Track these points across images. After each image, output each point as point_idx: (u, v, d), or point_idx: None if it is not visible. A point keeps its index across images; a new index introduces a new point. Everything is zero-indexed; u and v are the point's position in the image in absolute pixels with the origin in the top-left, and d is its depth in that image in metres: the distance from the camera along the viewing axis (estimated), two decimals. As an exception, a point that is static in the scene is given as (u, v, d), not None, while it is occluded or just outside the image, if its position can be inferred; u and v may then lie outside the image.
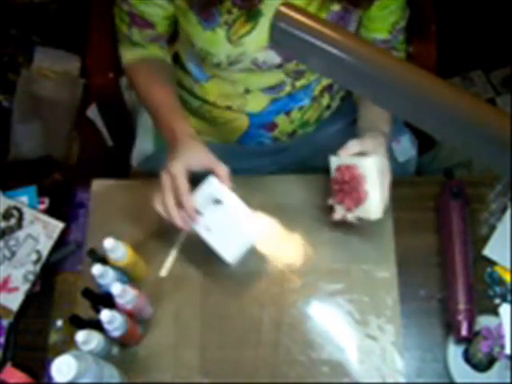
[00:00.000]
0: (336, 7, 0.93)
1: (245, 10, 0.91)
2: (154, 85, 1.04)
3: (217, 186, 0.94)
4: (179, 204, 0.90)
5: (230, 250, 0.93)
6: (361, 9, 0.96)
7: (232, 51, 0.95)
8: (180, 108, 1.01)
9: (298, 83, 1.04)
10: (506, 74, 1.96)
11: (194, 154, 0.92)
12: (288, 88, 1.04)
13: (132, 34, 1.04)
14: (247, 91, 1.04)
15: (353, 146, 0.94)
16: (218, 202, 0.94)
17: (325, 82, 1.08)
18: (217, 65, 0.99)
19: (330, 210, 0.99)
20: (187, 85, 1.12)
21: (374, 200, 0.92)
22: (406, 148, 1.24)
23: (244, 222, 0.94)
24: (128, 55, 1.08)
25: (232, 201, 0.94)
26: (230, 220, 0.94)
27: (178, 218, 0.90)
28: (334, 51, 0.47)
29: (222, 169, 0.93)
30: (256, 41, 0.94)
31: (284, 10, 0.48)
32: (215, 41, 0.94)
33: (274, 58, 0.97)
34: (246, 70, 0.99)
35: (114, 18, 1.05)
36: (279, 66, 0.99)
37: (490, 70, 1.98)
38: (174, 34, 1.08)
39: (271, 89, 1.04)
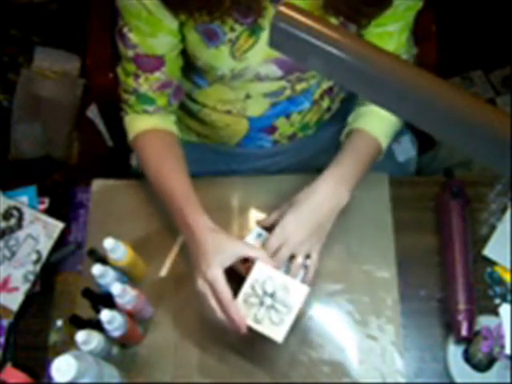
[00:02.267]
0: (334, 21, 0.92)
1: (247, 26, 0.91)
2: (165, 167, 0.98)
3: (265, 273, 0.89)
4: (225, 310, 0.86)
5: (278, 330, 0.87)
6: (358, 24, 0.94)
7: (236, 66, 0.95)
8: (194, 195, 0.95)
9: (299, 87, 1.04)
10: (506, 74, 1.96)
11: (225, 251, 0.87)
12: (288, 92, 1.04)
13: (140, 85, 0.98)
14: (248, 97, 1.04)
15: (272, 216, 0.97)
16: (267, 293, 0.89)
17: (325, 85, 1.08)
18: (220, 77, 0.98)
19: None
20: (186, 89, 1.11)
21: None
22: (406, 148, 1.24)
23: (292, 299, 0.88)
24: (135, 127, 1.02)
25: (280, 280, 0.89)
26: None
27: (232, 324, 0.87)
28: (334, 51, 0.47)
29: (259, 253, 0.89)
30: (258, 55, 0.94)
31: (284, 10, 0.48)
32: (219, 57, 0.94)
33: (275, 71, 0.97)
34: (248, 81, 0.99)
35: (113, 17, 1.03)
36: (281, 78, 0.99)
37: (490, 70, 1.98)
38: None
39: (272, 94, 1.04)
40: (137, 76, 0.98)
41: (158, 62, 0.96)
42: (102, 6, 1.24)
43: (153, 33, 0.92)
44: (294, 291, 0.88)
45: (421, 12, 1.01)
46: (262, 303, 0.88)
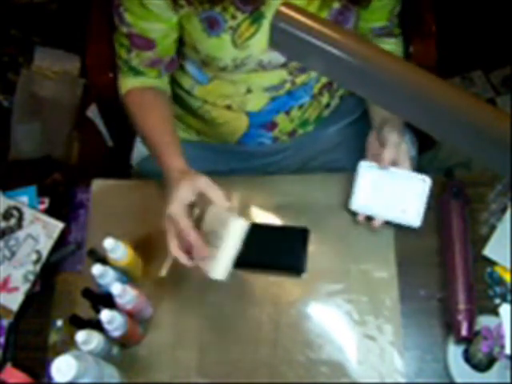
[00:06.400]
0: (336, 4, 0.94)
1: (248, 14, 0.91)
2: (148, 112, 1.02)
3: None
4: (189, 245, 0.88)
5: (215, 266, 0.89)
6: (361, 7, 0.97)
7: (238, 55, 0.95)
8: (172, 137, 0.99)
9: (298, 80, 1.04)
10: (506, 74, 1.96)
11: (185, 187, 0.87)
12: (288, 85, 1.04)
13: (131, 59, 1.02)
14: (249, 91, 1.05)
15: (387, 154, 0.98)
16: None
17: (324, 79, 1.09)
18: (222, 69, 0.99)
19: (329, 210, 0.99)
20: (186, 86, 1.12)
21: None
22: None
23: None
24: (125, 85, 1.06)
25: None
26: None
27: (182, 259, 0.89)
28: (334, 51, 0.47)
29: (215, 193, 0.88)
30: (260, 43, 0.94)
31: (284, 10, 0.48)
32: (221, 46, 0.95)
33: (278, 58, 0.97)
34: (250, 71, 1.00)
35: (114, 17, 1.04)
36: (283, 65, 1.00)
37: (490, 70, 1.98)
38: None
39: (272, 87, 1.04)
40: (129, 50, 1.01)
41: (150, 43, 0.99)
42: (103, 6, 1.24)
43: (145, 17, 0.95)
44: (232, 227, 0.88)
45: (421, 12, 1.01)
46: (209, 242, 0.88)
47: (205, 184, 0.87)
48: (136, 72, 1.04)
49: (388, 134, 0.99)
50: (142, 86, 1.05)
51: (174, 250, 0.89)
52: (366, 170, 1.02)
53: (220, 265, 0.87)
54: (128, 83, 1.05)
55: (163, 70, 1.05)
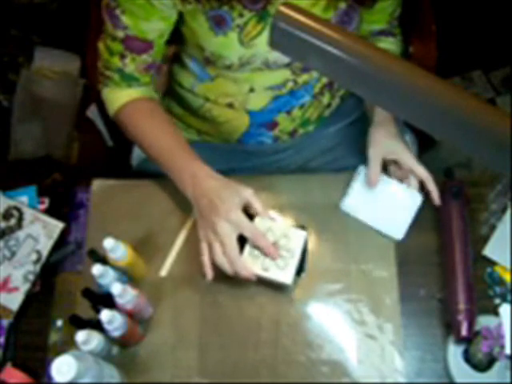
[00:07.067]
0: (343, 4, 0.94)
1: (255, 12, 0.92)
2: (152, 122, 1.02)
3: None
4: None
5: (285, 273, 0.92)
6: (365, 7, 0.98)
7: (244, 53, 0.95)
8: (186, 143, 1.00)
9: (301, 79, 1.04)
10: (506, 74, 1.96)
11: (233, 197, 0.90)
12: (290, 84, 1.05)
13: (125, 65, 0.99)
14: (252, 90, 1.05)
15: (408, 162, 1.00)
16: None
17: (325, 79, 1.09)
18: (228, 67, 0.99)
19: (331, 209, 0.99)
20: (187, 84, 1.12)
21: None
22: (406, 148, 1.24)
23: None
24: (119, 99, 1.03)
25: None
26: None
27: (208, 274, 0.92)
28: (334, 51, 0.47)
29: (260, 206, 0.92)
30: (266, 41, 0.94)
31: (284, 10, 0.48)
32: (228, 44, 0.95)
33: (283, 57, 0.97)
34: (255, 69, 1.00)
35: (105, 23, 1.03)
36: (287, 65, 1.00)
37: (490, 70, 1.98)
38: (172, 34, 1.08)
39: (275, 86, 1.04)
40: (123, 56, 0.99)
41: (147, 45, 0.98)
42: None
43: (146, 17, 0.93)
44: (294, 236, 0.93)
45: (421, 12, 1.01)
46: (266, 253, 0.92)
47: (251, 195, 0.91)
48: (130, 80, 1.02)
49: (398, 154, 1.01)
50: (138, 97, 1.03)
51: (206, 262, 0.92)
52: (363, 176, 1.04)
53: (292, 270, 0.91)
54: (122, 96, 1.03)
55: (154, 74, 1.04)
